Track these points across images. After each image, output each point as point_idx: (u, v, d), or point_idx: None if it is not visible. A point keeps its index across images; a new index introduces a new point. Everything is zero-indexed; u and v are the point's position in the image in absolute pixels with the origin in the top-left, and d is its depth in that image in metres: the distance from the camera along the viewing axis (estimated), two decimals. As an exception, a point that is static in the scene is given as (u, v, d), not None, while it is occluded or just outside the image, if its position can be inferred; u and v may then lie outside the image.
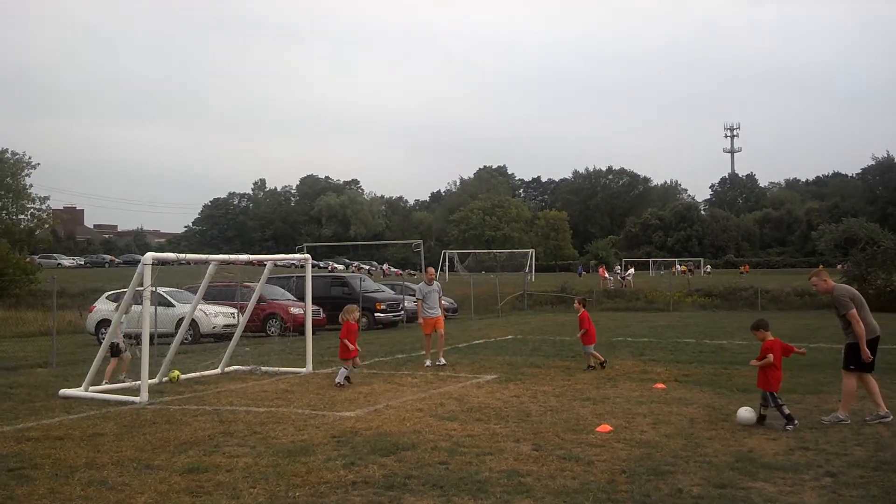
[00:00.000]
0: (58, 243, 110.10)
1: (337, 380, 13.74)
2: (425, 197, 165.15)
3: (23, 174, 54.93)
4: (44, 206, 56.69)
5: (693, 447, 8.64)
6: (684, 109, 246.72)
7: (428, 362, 16.64)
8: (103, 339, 15.14)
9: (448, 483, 7.21)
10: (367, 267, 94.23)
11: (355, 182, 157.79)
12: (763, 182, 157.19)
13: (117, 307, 14.33)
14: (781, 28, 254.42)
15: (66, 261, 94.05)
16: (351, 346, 13.94)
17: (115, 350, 14.28)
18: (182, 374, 14.77)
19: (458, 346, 19.73)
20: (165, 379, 14.16)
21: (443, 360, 16.59)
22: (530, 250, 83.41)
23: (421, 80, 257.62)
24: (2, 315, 34.81)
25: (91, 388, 13.03)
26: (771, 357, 10.18)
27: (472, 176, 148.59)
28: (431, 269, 18.67)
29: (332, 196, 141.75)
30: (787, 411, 9.75)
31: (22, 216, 55.29)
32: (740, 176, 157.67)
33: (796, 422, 9.69)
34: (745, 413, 10.09)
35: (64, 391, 13.04)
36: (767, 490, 6.97)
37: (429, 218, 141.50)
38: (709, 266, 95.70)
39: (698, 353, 18.32)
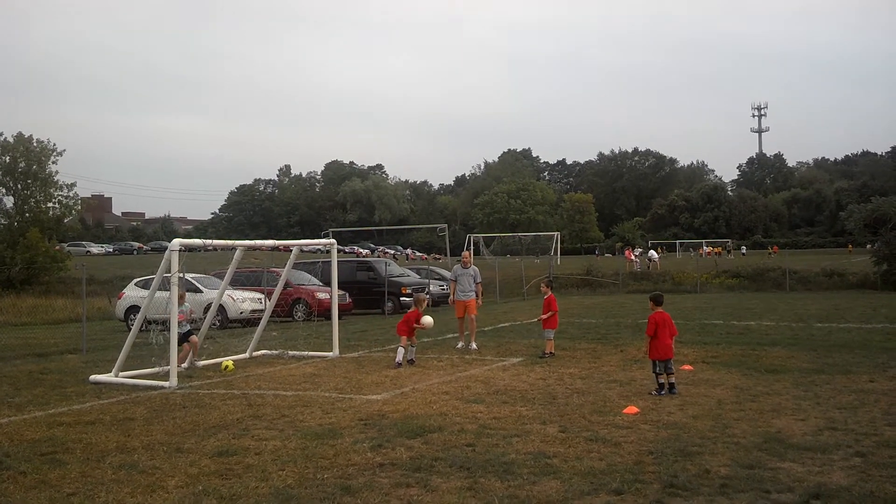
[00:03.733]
0: (86, 231, 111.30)
1: (398, 359, 13.95)
2: (450, 181, 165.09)
3: (49, 161, 55.14)
4: (71, 194, 56.92)
5: (721, 428, 8.60)
6: (711, 89, 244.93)
7: (459, 345, 16.70)
8: (132, 325, 15.28)
9: (475, 465, 7.23)
10: (393, 251, 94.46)
11: (380, 167, 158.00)
12: (791, 162, 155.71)
13: (150, 293, 14.39)
14: (808, 6, 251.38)
15: (95, 248, 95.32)
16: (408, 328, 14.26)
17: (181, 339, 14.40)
18: (209, 359, 14.90)
19: (483, 330, 19.74)
20: (200, 363, 14.26)
21: (474, 345, 16.46)
22: (556, 233, 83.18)
23: (444, 66, 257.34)
24: (32, 302, 35.30)
25: (121, 373, 13.17)
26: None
27: (496, 159, 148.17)
28: (467, 253, 18.82)
29: (357, 181, 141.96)
30: (660, 381, 10.83)
31: (50, 204, 55.61)
32: (768, 156, 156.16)
33: (663, 392, 10.67)
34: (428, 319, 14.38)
35: (94, 377, 13.19)
36: (796, 470, 6.93)
37: (453, 202, 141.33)
38: (744, 247, 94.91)
39: (726, 334, 18.20)
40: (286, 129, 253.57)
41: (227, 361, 14.54)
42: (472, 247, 78.12)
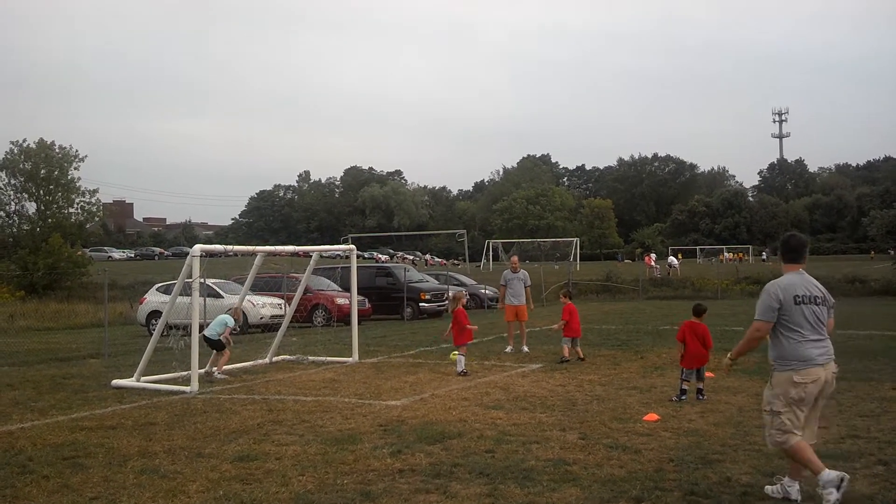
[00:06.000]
0: (108, 236, 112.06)
1: (459, 368, 13.74)
2: (468, 187, 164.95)
3: (70, 167, 55.54)
4: (93, 200, 57.28)
5: (742, 436, 8.55)
6: (731, 95, 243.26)
7: (509, 349, 16.92)
8: (154, 330, 15.39)
9: (494, 471, 7.22)
10: (411, 257, 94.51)
11: (398, 173, 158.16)
12: (812, 167, 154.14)
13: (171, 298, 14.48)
14: (827, 10, 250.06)
15: (117, 253, 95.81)
16: (467, 328, 14.16)
17: (218, 346, 14.45)
18: (234, 364, 14.94)
19: (502, 336, 19.69)
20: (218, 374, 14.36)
21: (526, 349, 16.76)
22: (575, 239, 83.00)
23: (464, 72, 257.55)
24: (55, 307, 35.54)
25: (142, 378, 13.25)
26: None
27: (515, 165, 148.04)
28: (516, 258, 19.14)
29: (376, 187, 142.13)
30: (683, 387, 10.88)
31: (72, 209, 56.00)
32: (789, 161, 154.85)
33: (684, 398, 10.72)
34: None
35: (116, 381, 13.29)
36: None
37: (472, 207, 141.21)
38: (764, 253, 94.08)
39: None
40: (305, 135, 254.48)
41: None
42: (490, 252, 78.12)
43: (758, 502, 6.27)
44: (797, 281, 6.41)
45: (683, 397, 10.71)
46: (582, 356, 15.17)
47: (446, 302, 30.73)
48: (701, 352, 11.08)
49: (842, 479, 6.07)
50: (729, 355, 6.61)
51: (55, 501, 6.61)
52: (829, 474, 6.12)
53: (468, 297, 22.01)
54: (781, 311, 6.28)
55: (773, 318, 6.30)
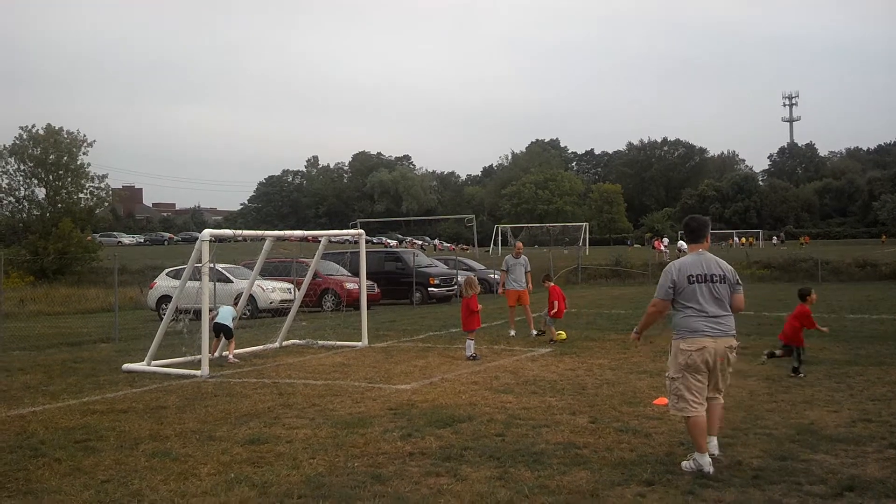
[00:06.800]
0: (118, 221, 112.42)
1: (468, 353, 13.64)
2: (477, 172, 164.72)
3: (80, 153, 55.52)
4: (102, 185, 57.34)
5: (753, 419, 8.53)
6: (741, 79, 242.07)
7: (512, 332, 17.16)
8: (164, 314, 15.42)
9: (504, 454, 7.23)
10: (420, 242, 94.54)
11: (407, 158, 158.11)
12: (823, 151, 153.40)
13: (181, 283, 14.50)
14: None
15: (127, 239, 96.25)
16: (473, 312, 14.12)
17: (228, 333, 14.44)
18: (244, 348, 14.97)
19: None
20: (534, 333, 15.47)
21: (534, 332, 16.90)
22: (584, 224, 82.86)
23: (472, 56, 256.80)
24: (65, 292, 35.69)
25: (153, 362, 13.29)
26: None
27: (523, 150, 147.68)
28: (520, 244, 19.40)
29: (385, 172, 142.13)
30: (794, 364, 11.48)
31: (81, 195, 56.10)
32: (799, 145, 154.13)
33: (802, 374, 11.27)
34: None
35: (127, 365, 13.33)
36: (829, 462, 6.86)
37: (481, 192, 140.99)
38: (775, 238, 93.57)
39: (757, 325, 18.02)
40: (314, 120, 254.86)
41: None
42: (499, 237, 78.09)
43: (769, 486, 6.25)
44: (694, 261, 6.94)
45: (801, 374, 11.27)
46: (543, 330, 16.24)
47: (455, 287, 30.75)
48: (790, 332, 11.74)
49: (702, 470, 6.54)
50: (634, 330, 7.42)
51: (67, 484, 6.63)
52: (705, 459, 6.60)
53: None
54: (676, 289, 6.83)
55: (668, 297, 6.89)
